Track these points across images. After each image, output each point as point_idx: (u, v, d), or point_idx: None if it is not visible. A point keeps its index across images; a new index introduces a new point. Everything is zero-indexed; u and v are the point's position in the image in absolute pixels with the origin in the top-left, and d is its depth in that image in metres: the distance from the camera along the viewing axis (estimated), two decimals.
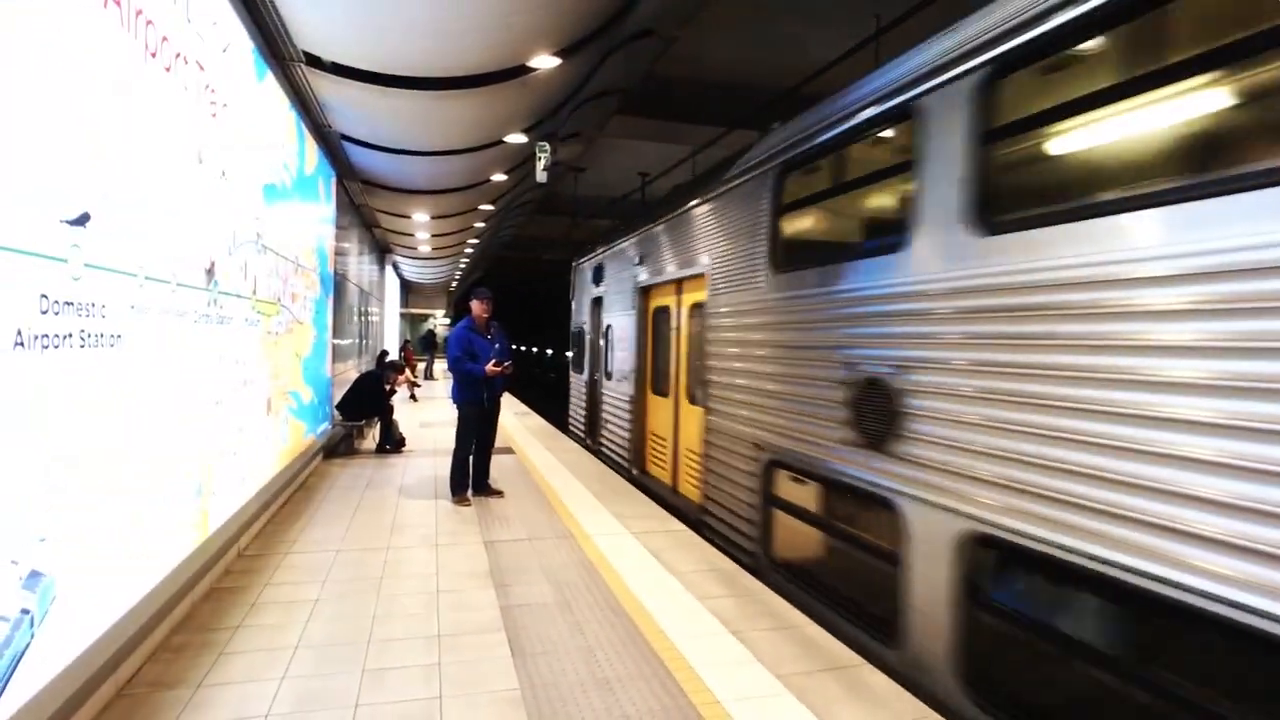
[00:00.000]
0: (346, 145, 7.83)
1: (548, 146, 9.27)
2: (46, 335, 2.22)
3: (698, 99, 11.30)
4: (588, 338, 10.99)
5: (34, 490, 2.20)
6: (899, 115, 3.78)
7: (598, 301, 10.42)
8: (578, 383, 11.72)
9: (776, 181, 5.03)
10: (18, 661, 2.14)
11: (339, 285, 9.08)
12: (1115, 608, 2.64)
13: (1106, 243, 2.55)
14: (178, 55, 3.26)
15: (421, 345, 23.46)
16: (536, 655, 3.27)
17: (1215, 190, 2.24)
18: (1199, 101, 2.47)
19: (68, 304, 2.35)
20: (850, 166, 4.60)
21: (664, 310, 7.65)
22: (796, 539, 4.80)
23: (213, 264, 3.84)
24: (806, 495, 4.64)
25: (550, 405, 16.56)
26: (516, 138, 8.04)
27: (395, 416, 9.19)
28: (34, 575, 2.22)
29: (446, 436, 9.85)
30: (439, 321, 33.92)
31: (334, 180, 8.30)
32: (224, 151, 3.99)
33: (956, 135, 3.28)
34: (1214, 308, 2.22)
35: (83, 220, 2.44)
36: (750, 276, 5.31)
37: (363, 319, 13.36)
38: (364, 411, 9.00)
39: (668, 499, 6.93)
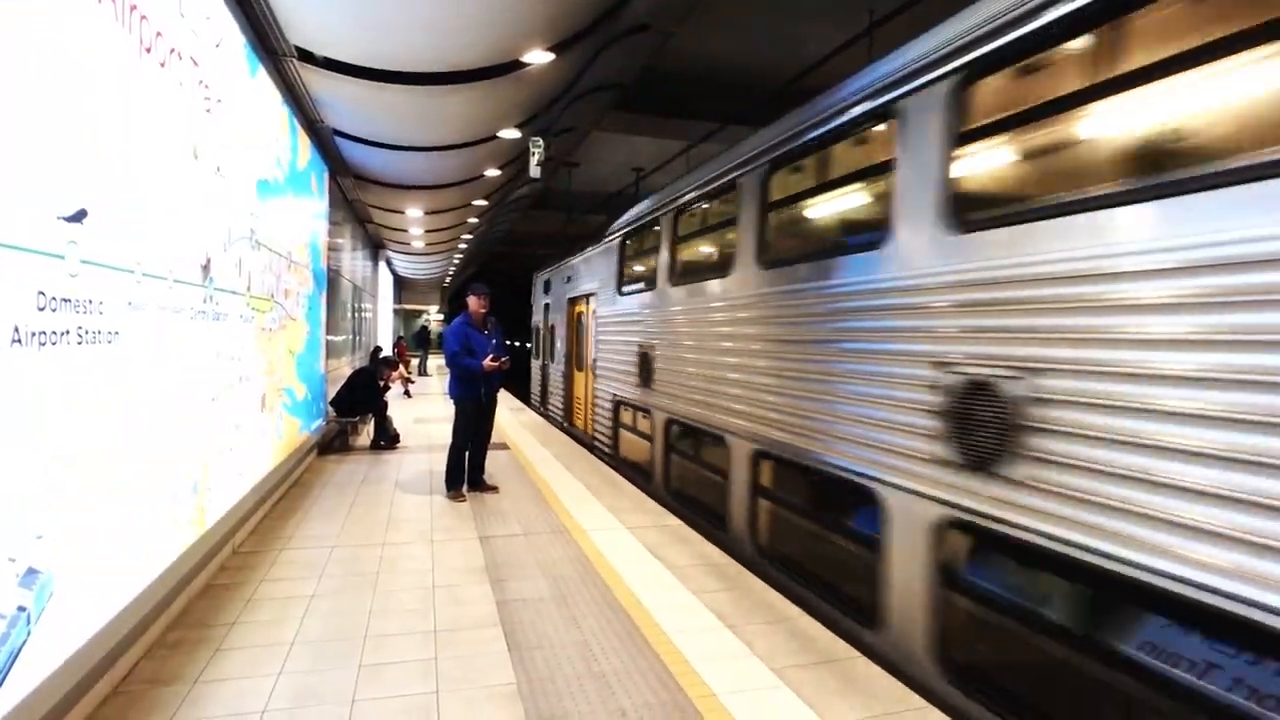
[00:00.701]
0: (339, 141, 7.80)
1: (541, 142, 9.25)
2: (44, 332, 2.22)
3: (692, 94, 11.30)
4: (541, 333, 14.74)
5: (31, 487, 2.20)
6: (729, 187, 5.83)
7: (545, 306, 13.99)
8: (535, 366, 15.94)
9: (620, 245, 8.74)
10: (14, 658, 2.15)
11: (332, 281, 9.05)
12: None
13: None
14: (171, 50, 3.25)
15: (415, 341, 23.40)
16: (533, 650, 3.29)
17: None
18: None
19: (65, 301, 2.34)
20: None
21: (581, 314, 11.05)
22: (634, 446, 8.06)
23: (208, 260, 3.83)
24: (638, 419, 7.89)
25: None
26: (510, 133, 8.03)
27: (390, 413, 9.19)
28: (31, 572, 2.22)
29: (441, 432, 9.87)
30: (433, 318, 33.83)
31: (327, 176, 8.27)
32: (218, 147, 3.98)
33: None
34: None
35: (79, 217, 2.44)
36: (609, 295, 9.04)
37: (356, 315, 13.33)
38: (358, 408, 8.99)
39: (583, 439, 10.22)
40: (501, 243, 25.28)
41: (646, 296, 7.50)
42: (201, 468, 3.80)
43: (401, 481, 6.92)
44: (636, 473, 7.71)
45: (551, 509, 5.93)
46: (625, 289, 8.47)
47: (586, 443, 9.90)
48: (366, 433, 9.39)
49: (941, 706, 3.00)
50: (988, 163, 3.38)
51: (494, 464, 6.92)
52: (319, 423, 7.99)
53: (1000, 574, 3.21)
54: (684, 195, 6.70)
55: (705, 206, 6.54)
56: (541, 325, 14.53)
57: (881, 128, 3.99)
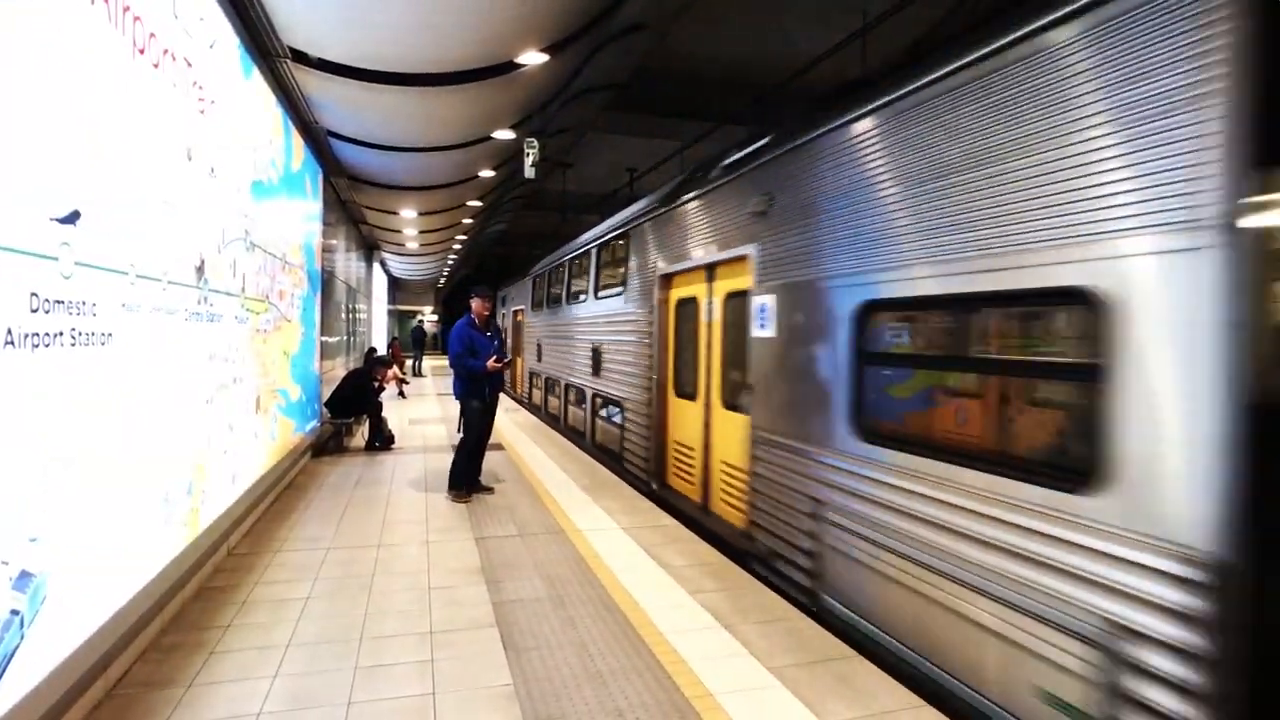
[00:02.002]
0: (333, 142, 7.78)
1: (536, 142, 9.25)
2: (37, 334, 2.21)
3: (686, 94, 11.32)
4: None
5: (25, 490, 2.19)
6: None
7: (502, 314, 18.62)
8: None
9: (533, 280, 14.27)
10: (8, 662, 2.14)
11: (326, 282, 9.02)
12: None
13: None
14: (165, 51, 3.24)
15: (410, 342, 23.34)
16: (529, 650, 3.29)
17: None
18: None
19: (58, 302, 2.33)
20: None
21: (519, 320, 16.29)
22: (535, 394, 14.32)
23: (203, 261, 3.82)
24: (534, 378, 14.43)
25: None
26: (505, 134, 8.03)
27: (384, 414, 9.17)
28: (24, 576, 2.21)
29: (436, 433, 9.88)
30: (427, 318, 33.75)
31: (321, 177, 8.25)
32: (213, 148, 3.97)
33: None
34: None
35: (73, 218, 2.43)
36: (528, 310, 14.91)
37: (350, 316, 13.30)
38: (353, 409, 8.97)
39: (526, 402, 15.23)
40: (497, 243, 25.26)
41: (543, 312, 13.24)
42: (195, 470, 3.79)
43: (397, 483, 6.91)
44: (534, 407, 14.13)
45: (547, 509, 5.92)
46: (534, 308, 14.23)
47: (515, 398, 16.29)
48: (361, 434, 9.37)
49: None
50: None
51: (489, 464, 6.91)
52: (313, 424, 7.97)
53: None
54: (555, 261, 12.47)
55: (557, 268, 12.19)
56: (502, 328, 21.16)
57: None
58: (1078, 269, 2.59)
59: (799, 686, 3.02)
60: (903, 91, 3.56)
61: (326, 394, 8.89)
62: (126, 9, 2.83)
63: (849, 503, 3.80)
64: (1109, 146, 2.51)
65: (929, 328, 3.59)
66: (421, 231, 14.67)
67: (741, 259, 5.20)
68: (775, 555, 4.60)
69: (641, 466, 7.39)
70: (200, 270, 3.79)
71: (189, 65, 3.56)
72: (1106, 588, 2.44)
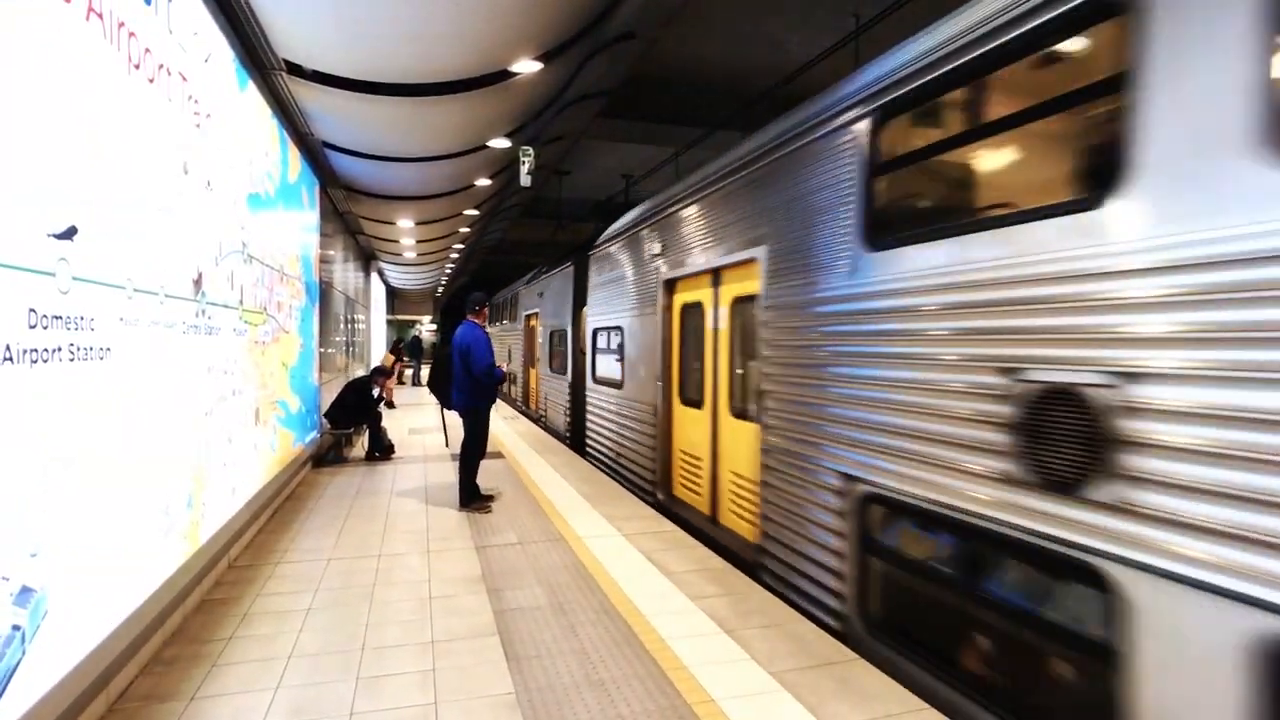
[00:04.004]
0: (330, 153, 7.80)
1: (531, 150, 9.28)
2: (35, 350, 2.22)
3: (679, 100, 11.37)
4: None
5: (25, 506, 2.20)
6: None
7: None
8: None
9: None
10: (9, 678, 2.14)
11: (324, 293, 9.03)
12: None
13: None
14: (160, 66, 3.26)
15: (409, 351, 23.32)
16: (531, 659, 3.29)
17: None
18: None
19: (56, 318, 2.34)
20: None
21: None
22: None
23: (200, 274, 3.83)
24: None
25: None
26: (500, 142, 8.05)
27: (384, 423, 9.16)
28: (25, 591, 2.22)
29: (436, 442, 9.86)
30: (426, 328, 33.75)
31: (318, 188, 8.27)
32: (208, 161, 3.98)
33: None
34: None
35: (70, 234, 2.44)
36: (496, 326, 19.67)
37: (349, 326, 13.30)
38: (352, 419, 8.97)
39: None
40: (493, 251, 25.29)
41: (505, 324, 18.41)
42: (195, 482, 3.79)
43: (397, 492, 6.91)
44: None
45: (547, 517, 5.92)
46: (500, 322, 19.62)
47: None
48: (361, 444, 9.36)
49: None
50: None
51: (489, 472, 6.92)
52: (313, 435, 7.97)
53: None
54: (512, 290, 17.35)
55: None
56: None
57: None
58: None
59: (801, 691, 3.02)
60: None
61: (326, 404, 8.89)
62: (121, 25, 2.85)
63: None
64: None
65: None
66: (419, 241, 14.68)
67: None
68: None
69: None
70: (198, 283, 3.80)
71: (184, 79, 3.58)
72: None
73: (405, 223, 12.10)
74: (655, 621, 3.71)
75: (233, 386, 4.51)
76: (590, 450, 9.70)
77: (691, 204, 6.25)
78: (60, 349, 2.37)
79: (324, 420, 8.71)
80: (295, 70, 5.41)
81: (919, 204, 3.91)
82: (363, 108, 6.21)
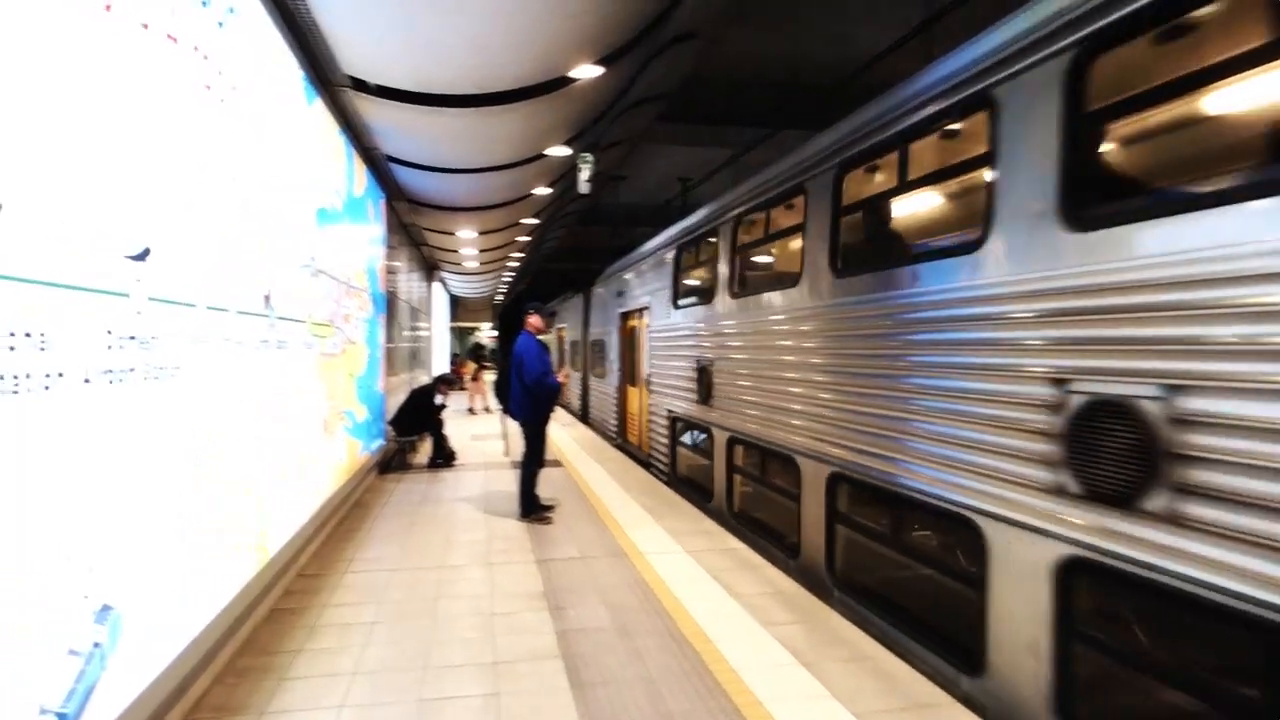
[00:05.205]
0: (393, 166, 7.93)
1: (590, 157, 9.26)
2: (111, 370, 2.24)
3: (739, 100, 11.16)
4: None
5: (103, 524, 2.21)
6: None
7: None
8: None
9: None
10: (90, 694, 2.15)
11: (390, 303, 9.20)
12: None
13: None
14: (232, 87, 3.30)
15: (470, 358, 23.74)
16: (595, 686, 3.18)
17: None
18: None
19: (131, 338, 2.36)
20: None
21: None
22: None
23: (270, 290, 3.88)
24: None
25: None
26: (558, 150, 8.04)
27: (446, 431, 9.27)
28: (104, 609, 2.23)
29: (497, 450, 9.91)
30: (486, 334, 34.33)
31: (383, 201, 8.43)
32: (278, 179, 4.04)
33: None
34: None
35: (144, 255, 2.46)
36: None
37: (413, 335, 13.59)
38: (416, 427, 9.09)
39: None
40: (551, 259, 25.51)
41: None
42: (265, 495, 3.83)
43: (458, 501, 6.94)
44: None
45: (608, 529, 5.83)
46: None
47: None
48: (424, 451, 9.49)
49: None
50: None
51: (548, 481, 6.87)
52: (379, 442, 8.10)
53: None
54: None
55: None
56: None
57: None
58: None
59: None
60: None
61: (392, 412, 9.05)
62: (196, 48, 2.89)
63: None
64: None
65: None
66: (480, 251, 14.89)
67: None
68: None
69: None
70: (268, 299, 3.85)
71: (254, 99, 3.63)
72: None
73: (466, 233, 12.27)
74: (725, 649, 3.55)
75: (302, 399, 4.57)
76: (591, 418, 15.02)
77: (628, 272, 11.27)
78: (134, 368, 2.39)
79: (389, 428, 8.86)
80: (360, 86, 5.49)
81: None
82: (424, 121, 6.27)
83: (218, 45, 3.13)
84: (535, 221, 13.05)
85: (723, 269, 6.92)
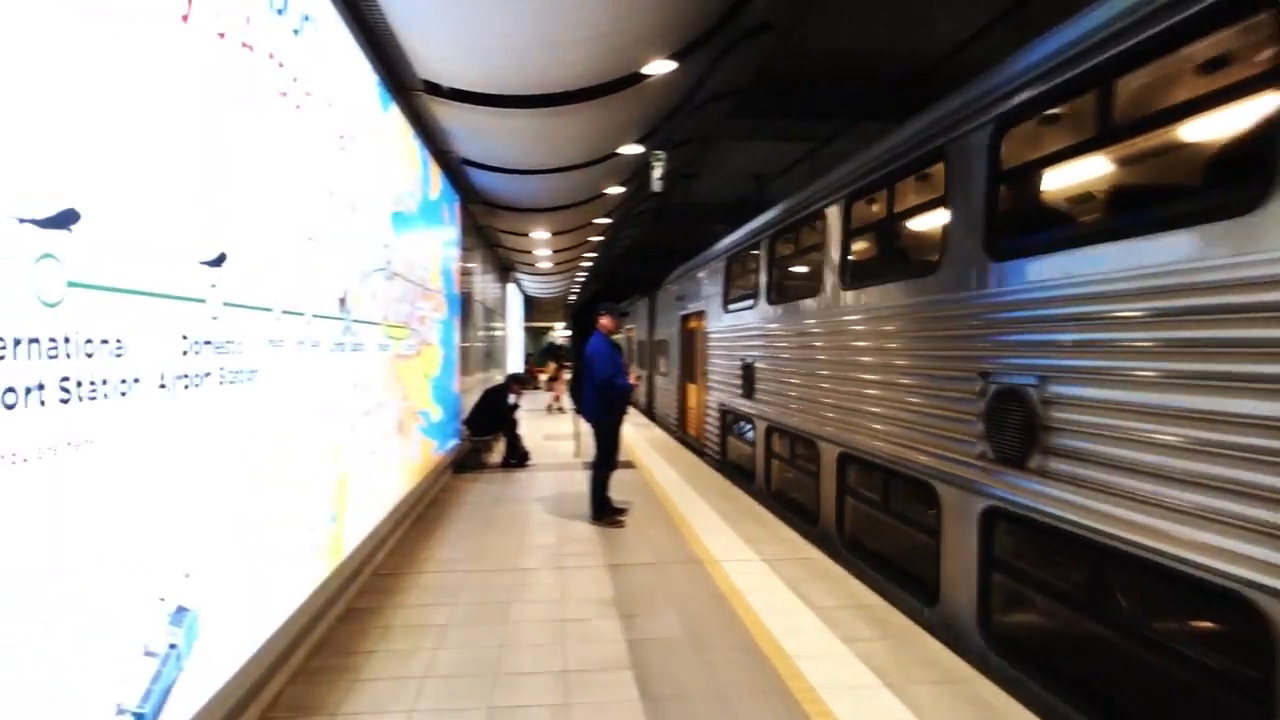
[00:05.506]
0: (468, 169, 8.04)
1: (662, 155, 9.14)
2: (187, 375, 2.26)
3: (815, 93, 10.77)
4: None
5: (179, 527, 2.24)
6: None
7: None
8: None
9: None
10: (167, 695, 2.18)
11: (465, 304, 9.36)
12: None
13: None
14: (307, 93, 3.34)
15: (543, 358, 24.07)
16: (667, 699, 3.05)
17: None
18: None
19: (206, 343, 2.39)
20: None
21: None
22: None
23: (345, 293, 3.93)
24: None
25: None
26: (631, 148, 7.96)
27: (520, 431, 9.35)
28: (180, 610, 2.26)
29: (570, 450, 9.93)
30: (559, 333, 34.80)
31: (458, 204, 8.56)
32: (353, 183, 4.10)
33: None
34: None
35: (219, 261, 2.49)
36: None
37: (488, 335, 13.84)
38: (490, 426, 9.21)
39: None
40: (623, 258, 25.57)
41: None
42: (340, 497, 3.89)
43: (531, 502, 6.95)
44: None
45: (681, 534, 5.69)
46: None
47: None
48: (498, 451, 9.60)
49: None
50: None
51: (621, 484, 6.79)
52: (454, 442, 8.23)
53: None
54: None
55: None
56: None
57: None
58: None
59: None
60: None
61: (466, 411, 9.19)
62: (271, 55, 2.92)
63: None
64: None
65: None
66: (553, 251, 15.03)
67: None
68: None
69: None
70: (343, 302, 3.90)
71: (329, 104, 3.68)
72: None
73: (539, 234, 12.39)
74: (803, 666, 3.35)
75: (377, 400, 4.64)
76: (656, 413, 16.16)
77: (687, 278, 12.45)
78: (210, 373, 2.41)
79: (464, 427, 9.00)
80: (433, 89, 5.55)
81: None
82: (498, 123, 6.30)
83: (293, 52, 3.17)
84: (607, 221, 13.04)
85: (762, 279, 8.04)
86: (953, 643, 3.72)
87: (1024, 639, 3.78)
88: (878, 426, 5.08)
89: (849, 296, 5.70)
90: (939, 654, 3.52)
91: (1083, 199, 3.76)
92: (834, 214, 5.99)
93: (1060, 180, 3.72)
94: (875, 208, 5.57)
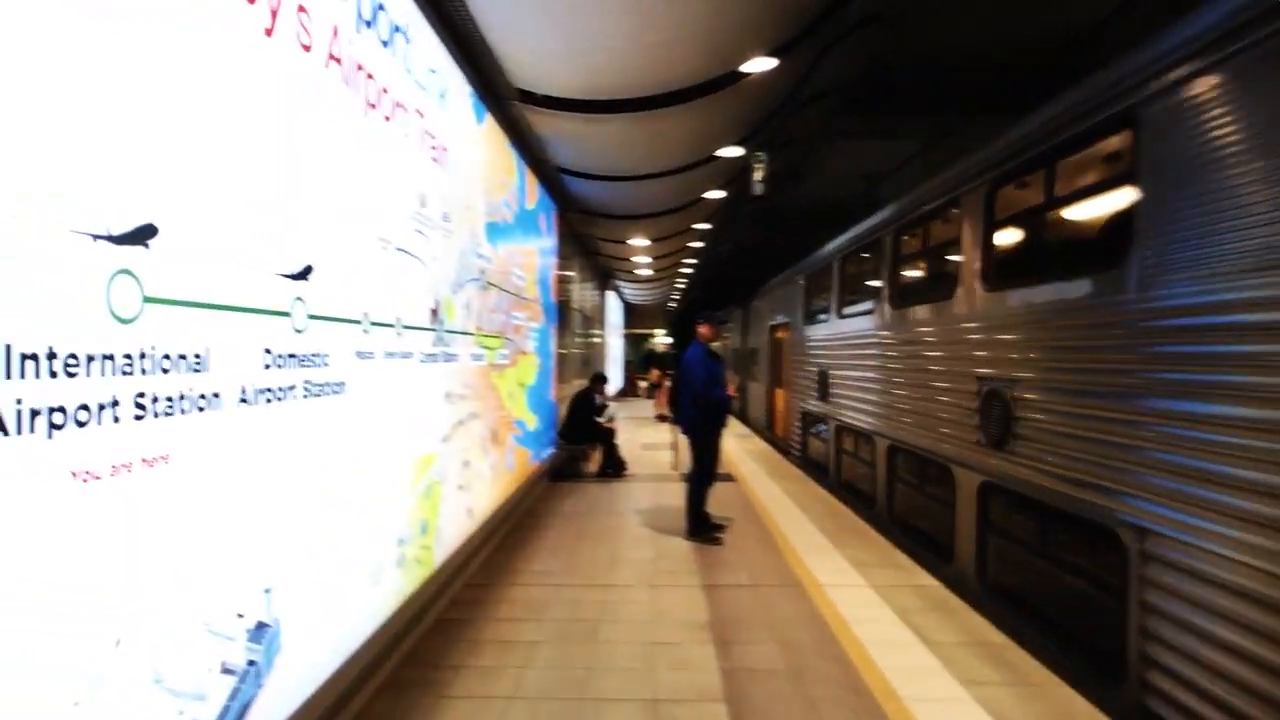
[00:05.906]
0: (565, 178, 8.06)
1: (764, 156, 8.83)
2: (270, 389, 2.25)
3: (923, 88, 10.09)
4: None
5: (259, 541, 2.22)
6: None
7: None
8: None
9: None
10: (245, 711, 2.16)
11: (562, 312, 9.40)
12: None
13: None
14: (397, 105, 3.35)
15: (642, 364, 24.11)
16: None
17: None
18: None
19: (291, 356, 2.38)
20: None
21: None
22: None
23: (438, 303, 3.94)
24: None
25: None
26: (731, 151, 7.72)
27: (617, 440, 9.26)
28: (260, 627, 2.24)
29: (667, 461, 9.75)
30: (660, 340, 34.82)
31: (555, 213, 8.61)
32: (446, 194, 4.11)
33: None
34: None
35: (305, 274, 2.48)
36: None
37: (585, 343, 13.94)
38: (584, 435, 9.13)
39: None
40: (725, 263, 25.22)
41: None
42: (430, 506, 3.88)
43: (626, 514, 6.82)
44: None
45: (782, 555, 5.37)
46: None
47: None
48: (595, 459, 9.56)
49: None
50: None
51: (720, 498, 6.54)
52: (549, 451, 8.25)
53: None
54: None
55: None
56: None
57: None
58: None
59: None
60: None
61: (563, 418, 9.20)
62: (359, 67, 2.93)
63: None
64: None
65: None
66: (652, 258, 14.98)
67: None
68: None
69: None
70: (435, 312, 3.90)
71: (421, 115, 3.69)
72: None
73: (637, 241, 12.34)
74: (918, 710, 3.00)
75: (470, 410, 4.64)
76: (749, 417, 17.17)
77: (775, 292, 13.85)
78: (294, 386, 2.40)
79: (559, 437, 9.00)
80: (528, 98, 5.55)
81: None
82: (593, 129, 6.25)
83: (382, 64, 3.18)
84: (707, 226, 12.82)
85: (833, 297, 9.33)
86: (961, 590, 4.71)
87: (1011, 586, 4.83)
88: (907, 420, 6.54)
89: (897, 315, 7.03)
90: (1075, 705, 3.05)
91: None
92: (888, 242, 7.34)
93: None
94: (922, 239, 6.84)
